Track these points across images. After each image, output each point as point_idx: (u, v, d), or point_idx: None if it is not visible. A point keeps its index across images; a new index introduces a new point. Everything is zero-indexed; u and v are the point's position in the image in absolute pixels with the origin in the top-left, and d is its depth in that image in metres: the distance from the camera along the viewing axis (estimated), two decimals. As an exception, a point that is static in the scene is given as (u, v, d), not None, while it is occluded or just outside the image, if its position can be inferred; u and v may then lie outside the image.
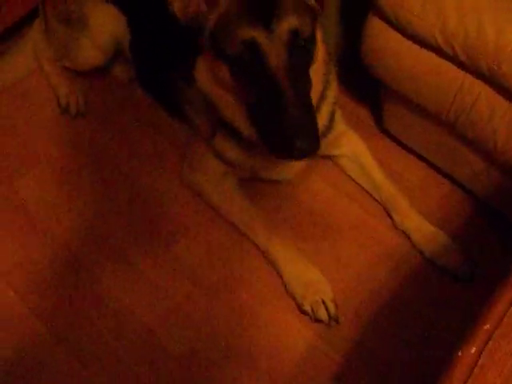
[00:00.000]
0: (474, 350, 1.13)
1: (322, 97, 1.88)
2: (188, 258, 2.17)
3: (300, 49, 1.62)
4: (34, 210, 2.31)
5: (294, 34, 1.58)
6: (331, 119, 2.01)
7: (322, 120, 1.87)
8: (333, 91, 1.97)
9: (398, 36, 1.90)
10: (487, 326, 1.18)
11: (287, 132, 1.58)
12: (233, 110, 1.81)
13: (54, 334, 2.03)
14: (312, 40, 1.66)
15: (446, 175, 2.26)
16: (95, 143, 2.49)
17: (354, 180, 2.28)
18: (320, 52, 1.74)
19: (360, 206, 2.23)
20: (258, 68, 1.59)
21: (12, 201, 2.34)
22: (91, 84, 2.66)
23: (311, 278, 2.02)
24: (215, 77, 1.73)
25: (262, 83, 1.61)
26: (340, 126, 2.14)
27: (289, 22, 1.58)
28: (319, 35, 1.74)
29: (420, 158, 2.31)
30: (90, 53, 2.41)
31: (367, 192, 2.25)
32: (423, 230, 2.12)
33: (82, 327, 2.04)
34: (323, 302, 1.98)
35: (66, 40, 2.41)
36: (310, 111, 1.62)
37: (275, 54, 1.57)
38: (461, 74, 1.81)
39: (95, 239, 2.23)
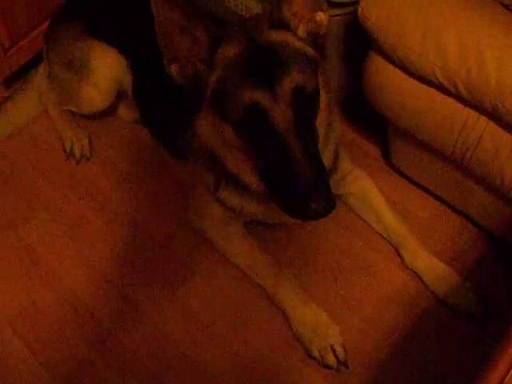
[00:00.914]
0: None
1: (325, 139, 1.85)
2: (194, 302, 2.15)
3: (305, 104, 1.56)
4: (40, 255, 2.32)
5: (298, 91, 1.53)
6: (335, 160, 1.98)
7: (325, 162, 1.83)
8: (335, 132, 1.93)
9: (399, 73, 1.87)
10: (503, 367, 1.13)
11: (300, 195, 1.52)
12: (239, 165, 1.77)
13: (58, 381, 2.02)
14: (316, 92, 1.61)
15: (457, 211, 2.21)
16: (100, 187, 2.49)
17: (362, 218, 2.24)
18: (321, 97, 1.69)
19: (369, 246, 2.19)
20: (264, 129, 1.54)
21: (18, 246, 2.35)
22: (96, 127, 2.67)
23: (319, 323, 1.98)
24: (219, 135, 1.69)
25: (269, 144, 1.55)
26: (346, 164, 2.11)
27: (291, 81, 1.53)
28: (320, 80, 1.70)
29: (430, 193, 2.27)
30: (93, 97, 2.40)
31: (376, 231, 2.21)
32: (434, 269, 2.07)
33: (86, 374, 2.03)
34: (332, 347, 1.94)
35: (70, 85, 2.42)
36: (320, 169, 1.57)
37: (281, 115, 1.52)
38: (464, 110, 1.78)
39: (100, 284, 2.23)
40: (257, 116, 1.53)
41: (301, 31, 1.65)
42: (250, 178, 1.79)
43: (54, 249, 2.33)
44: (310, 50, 1.65)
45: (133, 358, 2.04)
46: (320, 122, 1.70)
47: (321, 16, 1.64)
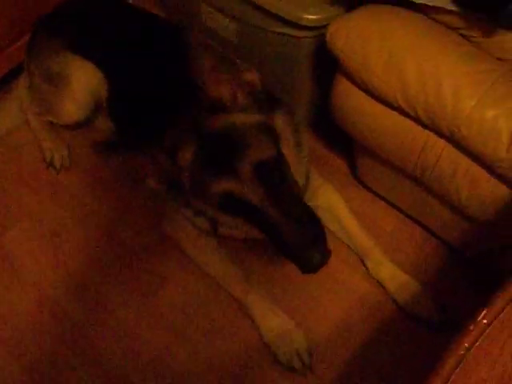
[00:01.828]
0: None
1: (296, 159, 1.92)
2: (168, 309, 2.23)
3: (271, 172, 1.61)
4: (20, 263, 2.39)
5: (259, 165, 1.59)
6: (307, 177, 2.06)
7: (299, 180, 1.92)
8: (304, 151, 2.01)
9: (363, 95, 1.95)
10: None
11: (294, 255, 1.62)
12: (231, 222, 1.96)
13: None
14: (279, 156, 1.67)
15: (419, 223, 2.32)
16: (79, 196, 2.56)
17: (329, 229, 2.31)
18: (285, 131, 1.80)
19: (336, 256, 2.22)
20: (244, 206, 1.62)
21: (-1, 255, 2.41)
22: (75, 138, 2.73)
23: (286, 329, 2.08)
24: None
25: (252, 215, 1.64)
26: (315, 179, 2.19)
27: (249, 161, 1.58)
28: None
29: (394, 206, 2.37)
30: (71, 109, 2.45)
31: (342, 241, 2.30)
32: (396, 278, 2.17)
33: (65, 375, 2.11)
34: (297, 352, 2.04)
35: (49, 96, 2.47)
36: (311, 224, 1.64)
37: (251, 192, 1.58)
38: (424, 133, 1.87)
39: (77, 290, 2.30)
40: (232, 199, 1.61)
41: (240, 100, 1.69)
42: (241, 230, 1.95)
43: (33, 256, 2.40)
44: (257, 118, 1.69)
45: (108, 361, 2.12)
46: (289, 145, 1.82)
47: (248, 75, 1.69)
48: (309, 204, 2.14)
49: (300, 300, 2.21)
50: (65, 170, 2.65)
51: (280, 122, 1.80)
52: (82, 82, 2.39)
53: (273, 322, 2.08)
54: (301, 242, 1.59)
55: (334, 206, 2.29)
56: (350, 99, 2.01)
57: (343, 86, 2.01)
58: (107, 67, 2.36)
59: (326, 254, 1.62)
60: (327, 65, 2.09)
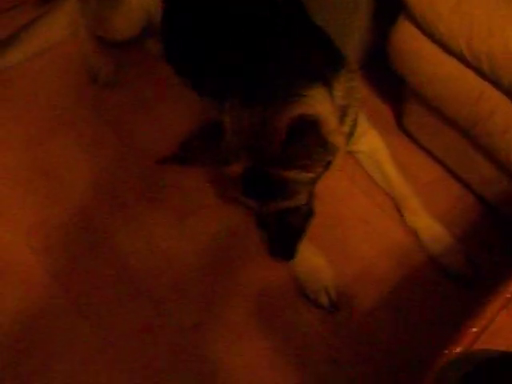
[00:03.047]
0: (458, 350, 1.19)
1: (345, 114, 1.94)
2: (199, 234, 2.26)
3: (290, 211, 1.83)
4: (57, 174, 2.40)
5: (282, 211, 1.80)
6: (354, 125, 2.05)
7: (344, 128, 1.95)
8: (358, 100, 2.00)
9: (425, 40, 1.94)
10: (475, 329, 1.25)
11: (270, 246, 1.92)
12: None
13: (68, 297, 2.13)
14: (307, 204, 1.86)
15: (459, 178, 2.31)
16: (120, 114, 2.56)
17: (369, 174, 2.33)
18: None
19: (372, 201, 2.29)
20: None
21: (36, 163, 2.43)
22: (123, 56, 2.71)
23: (316, 265, 2.10)
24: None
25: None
26: (362, 125, 2.16)
27: (280, 206, 1.77)
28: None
29: (435, 158, 2.36)
30: (122, 24, 2.45)
31: (381, 188, 2.30)
32: (431, 229, 2.17)
33: (95, 287, 2.14)
34: (326, 289, 2.06)
35: (100, 10, 2.47)
36: (294, 235, 1.92)
37: (266, 214, 1.83)
38: (482, 83, 1.86)
39: (113, 205, 2.33)
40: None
41: (309, 166, 1.72)
42: None
43: (70, 168, 2.41)
44: (309, 176, 1.75)
45: (134, 274, 2.17)
46: (341, 95, 1.85)
47: (336, 139, 1.71)
48: (351, 148, 2.18)
49: (331, 239, 2.22)
50: (109, 87, 2.64)
51: (339, 90, 1.87)
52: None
53: (304, 256, 2.07)
54: (276, 243, 1.92)
55: (376, 152, 2.29)
56: (410, 43, 2.00)
57: (406, 29, 1.99)
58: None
59: (289, 257, 1.95)
60: (389, 6, 2.06)
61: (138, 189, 2.36)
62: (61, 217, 2.29)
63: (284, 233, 1.88)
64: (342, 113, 1.92)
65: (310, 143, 1.62)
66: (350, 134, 2.06)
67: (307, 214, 1.92)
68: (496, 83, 1.81)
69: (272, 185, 1.71)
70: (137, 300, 2.11)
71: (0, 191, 2.36)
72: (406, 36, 2.00)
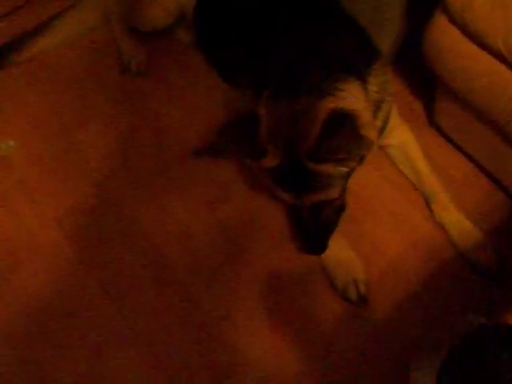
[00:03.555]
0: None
1: (378, 109, 1.95)
2: (229, 221, 2.30)
3: (326, 204, 1.85)
4: (90, 162, 2.46)
5: (316, 205, 1.82)
6: (386, 120, 2.06)
7: (378, 122, 1.97)
8: (390, 95, 2.01)
9: (461, 36, 1.93)
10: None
11: (303, 239, 1.97)
12: None
13: (96, 280, 2.19)
14: (340, 198, 1.88)
15: (490, 175, 2.30)
16: (151, 103, 2.60)
17: (399, 169, 2.33)
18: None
19: (402, 195, 2.29)
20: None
21: (69, 150, 2.50)
22: (154, 45, 2.75)
23: (346, 258, 2.11)
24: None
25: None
26: (393, 120, 2.16)
27: (315, 199, 1.79)
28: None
29: (466, 155, 2.35)
30: (155, 13, 2.48)
31: (411, 182, 2.31)
32: (460, 224, 2.17)
33: (122, 271, 2.21)
34: (355, 282, 2.07)
35: (135, 1, 2.50)
36: (326, 230, 1.94)
37: (300, 207, 1.85)
38: (517, 79, 1.86)
39: (141, 191, 2.39)
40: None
41: (347, 160, 1.73)
42: None
43: (103, 156, 2.46)
44: (344, 171, 1.77)
45: (155, 251, 2.24)
46: (375, 89, 1.86)
47: (369, 133, 1.70)
48: (382, 143, 2.18)
49: (361, 233, 2.23)
50: (140, 76, 2.67)
51: (374, 85, 1.88)
52: None
53: (335, 248, 2.08)
54: (310, 238, 1.94)
55: (407, 146, 2.29)
56: (446, 38, 1.99)
57: (441, 24, 1.98)
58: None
59: (322, 250, 1.97)
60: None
61: (167, 178, 2.40)
62: (90, 203, 2.36)
63: (317, 227, 1.89)
64: (376, 107, 1.92)
65: (345, 137, 1.62)
66: (382, 129, 2.06)
67: (340, 208, 1.94)
68: (531, 81, 1.80)
69: (307, 178, 1.71)
70: (164, 286, 2.16)
71: (31, 179, 2.43)
72: (442, 31, 1.99)
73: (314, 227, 1.88)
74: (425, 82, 2.38)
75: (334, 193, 1.78)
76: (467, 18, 1.85)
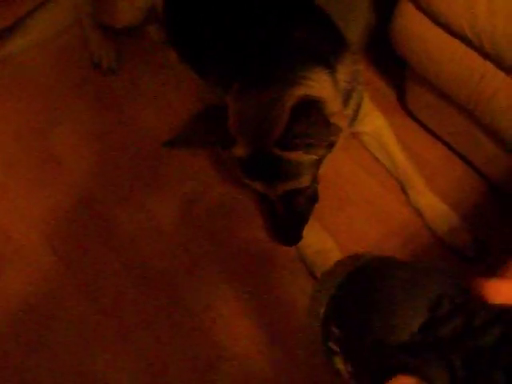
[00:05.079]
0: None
1: (349, 97, 1.96)
2: (206, 217, 2.30)
3: (298, 192, 1.83)
4: (64, 160, 2.45)
5: (291, 191, 1.80)
6: (358, 108, 2.07)
7: (348, 111, 1.98)
8: (361, 83, 2.03)
9: (427, 21, 1.93)
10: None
11: (277, 232, 2.01)
12: None
13: (78, 283, 2.19)
14: (312, 184, 1.85)
15: (463, 158, 2.32)
16: (124, 101, 2.59)
17: (373, 155, 2.35)
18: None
19: (377, 181, 2.30)
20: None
21: (44, 151, 2.48)
22: (126, 44, 2.74)
23: (323, 247, 2.12)
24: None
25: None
26: (366, 106, 2.17)
27: (287, 187, 1.78)
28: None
29: (439, 138, 2.37)
30: (125, 11, 2.47)
31: (385, 168, 2.32)
32: (436, 208, 2.19)
33: (104, 273, 2.20)
34: (333, 271, 2.08)
35: (105, -2, 2.47)
36: (300, 221, 1.94)
37: (273, 196, 1.83)
38: (485, 64, 1.86)
39: (118, 190, 2.38)
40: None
41: (314, 146, 1.73)
42: None
43: (77, 157, 2.46)
44: (313, 158, 1.77)
45: (136, 251, 2.24)
46: (345, 78, 1.86)
47: (337, 119, 1.70)
48: (355, 130, 2.20)
49: (338, 221, 2.24)
50: (111, 74, 2.66)
51: (343, 73, 1.89)
52: None
53: (311, 237, 2.10)
54: (283, 230, 1.96)
55: (380, 133, 2.30)
56: (412, 24, 2.00)
57: (408, 10, 1.98)
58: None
59: (296, 241, 1.97)
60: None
61: (142, 175, 2.39)
62: (68, 205, 2.34)
63: (289, 218, 1.91)
64: (347, 96, 1.94)
65: (312, 122, 1.65)
66: (354, 117, 2.08)
67: (312, 197, 1.94)
68: (498, 63, 1.82)
69: (277, 166, 1.73)
70: (144, 283, 2.16)
71: (6, 184, 2.41)
72: (408, 18, 2.00)
73: (286, 218, 1.89)
74: (395, 67, 2.38)
75: (304, 181, 1.79)
76: (432, 3, 1.86)
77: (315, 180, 1.90)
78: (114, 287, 2.16)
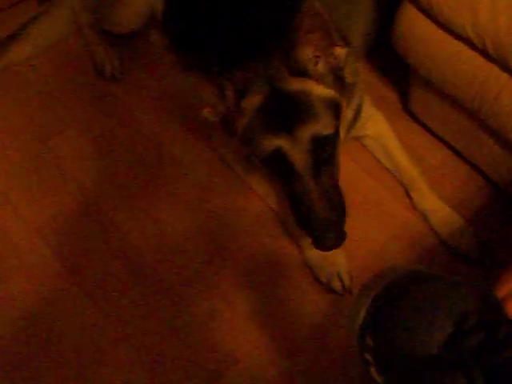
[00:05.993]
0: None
1: (351, 94, 1.93)
2: (210, 220, 2.30)
3: (324, 146, 1.69)
4: (68, 169, 2.44)
5: (316, 137, 1.66)
6: (358, 110, 2.06)
7: (350, 113, 1.97)
8: (361, 82, 2.02)
9: (430, 24, 1.94)
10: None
11: (313, 230, 1.72)
12: None
13: (82, 287, 2.18)
14: (335, 133, 1.72)
15: (467, 160, 2.31)
16: (127, 106, 2.60)
17: (377, 159, 2.35)
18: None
19: (381, 185, 2.30)
20: (286, 168, 1.69)
21: (47, 158, 2.48)
22: (128, 49, 2.75)
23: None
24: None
25: (291, 180, 1.72)
26: (368, 110, 2.17)
27: (309, 130, 1.64)
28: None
29: (442, 141, 2.36)
30: (125, 17, 2.48)
31: (389, 171, 2.32)
32: (440, 211, 2.18)
33: (107, 277, 2.19)
34: (338, 274, 2.07)
35: (103, 3, 2.50)
36: (336, 208, 1.72)
37: (299, 158, 1.66)
38: (488, 65, 1.86)
39: (119, 193, 2.38)
40: (279, 157, 1.67)
41: (320, 68, 1.70)
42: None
43: (81, 162, 2.46)
44: (330, 93, 1.72)
45: (138, 254, 2.23)
46: (348, 72, 1.82)
47: (338, 50, 1.69)
48: (358, 134, 2.19)
49: (342, 224, 2.23)
50: (115, 80, 2.67)
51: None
52: None
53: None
54: (323, 222, 1.69)
55: (383, 135, 2.30)
56: (415, 27, 2.00)
57: (409, 13, 1.99)
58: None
59: (341, 238, 1.72)
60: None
61: (145, 180, 2.40)
62: (72, 213, 2.34)
63: (326, 206, 1.71)
64: (349, 92, 1.92)
65: (317, 19, 1.60)
66: (354, 119, 2.06)
67: (335, 175, 1.82)
68: (502, 64, 1.81)
69: (292, 104, 1.67)
70: (149, 289, 2.15)
71: (9, 192, 2.41)
72: (411, 20, 2.00)
73: (324, 207, 1.70)
74: (398, 70, 2.38)
75: (326, 125, 1.68)
76: (434, 5, 1.86)
77: (338, 134, 1.76)
78: (117, 293, 2.14)
